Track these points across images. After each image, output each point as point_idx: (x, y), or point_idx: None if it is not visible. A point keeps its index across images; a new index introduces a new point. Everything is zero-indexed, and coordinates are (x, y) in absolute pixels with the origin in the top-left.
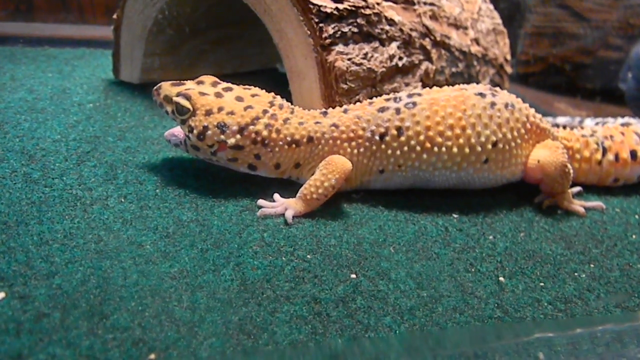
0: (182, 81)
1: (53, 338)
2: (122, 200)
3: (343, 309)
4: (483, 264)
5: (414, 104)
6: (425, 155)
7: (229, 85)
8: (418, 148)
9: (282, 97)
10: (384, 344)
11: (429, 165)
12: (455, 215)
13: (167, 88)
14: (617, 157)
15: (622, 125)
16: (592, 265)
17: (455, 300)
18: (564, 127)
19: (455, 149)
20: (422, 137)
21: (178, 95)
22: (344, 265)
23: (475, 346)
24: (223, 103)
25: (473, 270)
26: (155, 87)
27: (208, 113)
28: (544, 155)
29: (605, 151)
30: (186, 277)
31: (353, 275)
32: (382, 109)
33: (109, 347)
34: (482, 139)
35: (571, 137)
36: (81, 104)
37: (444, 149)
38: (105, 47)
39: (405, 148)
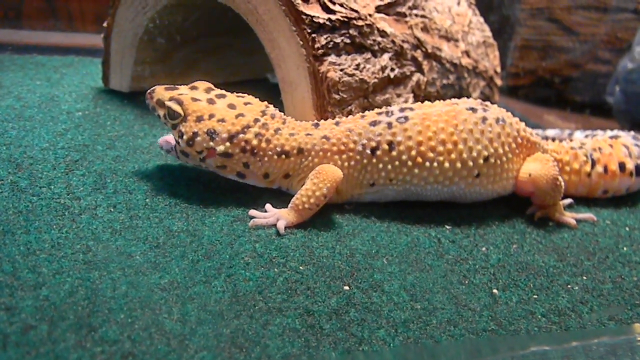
0: (176, 86)
1: (40, 351)
2: (112, 209)
3: (336, 321)
4: (476, 276)
5: (406, 118)
6: (416, 170)
7: (223, 92)
8: (410, 163)
9: (274, 107)
10: (378, 358)
11: (421, 180)
12: (447, 227)
13: (160, 92)
14: (605, 169)
15: (611, 137)
16: (584, 278)
17: (449, 312)
18: (553, 139)
19: (447, 164)
20: (413, 152)
21: (171, 99)
22: (337, 277)
23: None
24: (214, 110)
25: (466, 282)
26: (148, 91)
27: (199, 119)
28: (535, 168)
29: (594, 163)
30: (177, 289)
31: (346, 287)
32: (373, 123)
33: None
34: (474, 153)
35: (561, 149)
36: (70, 112)
37: (435, 164)
38: (94, 55)
39: (397, 162)
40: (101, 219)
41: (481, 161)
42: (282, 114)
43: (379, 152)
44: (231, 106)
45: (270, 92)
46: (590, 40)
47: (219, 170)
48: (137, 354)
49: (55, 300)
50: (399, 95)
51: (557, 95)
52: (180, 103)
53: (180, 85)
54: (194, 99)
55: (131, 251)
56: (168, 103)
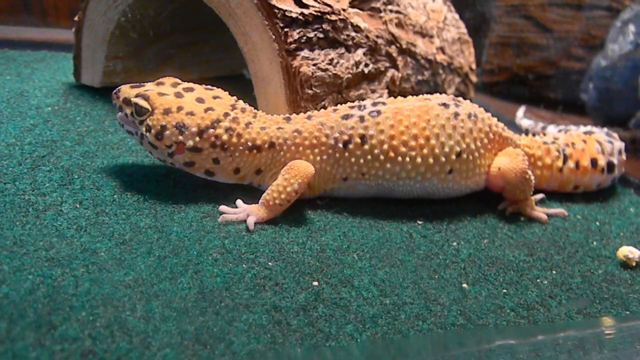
0: (142, 83)
1: None
2: (78, 206)
3: (304, 317)
4: (447, 271)
5: (378, 112)
6: (388, 165)
7: (191, 85)
8: (381, 157)
9: (245, 102)
10: (345, 353)
11: (393, 175)
12: (419, 222)
13: (126, 90)
14: (577, 164)
15: (585, 133)
16: (554, 272)
17: (418, 307)
18: (526, 133)
19: (419, 159)
20: (385, 146)
21: (137, 96)
22: (306, 273)
23: (437, 354)
24: (183, 103)
25: (437, 277)
26: (114, 91)
27: (166, 112)
28: (504, 162)
29: (566, 158)
30: (141, 286)
31: (315, 283)
32: (346, 117)
33: (56, 358)
34: (446, 149)
35: (533, 144)
36: (39, 107)
37: (407, 159)
38: (67, 51)
39: (369, 157)
40: (66, 215)
41: (453, 157)
42: (252, 108)
43: (351, 146)
44: (199, 100)
45: (246, 88)
46: (565, 38)
47: (186, 167)
48: (98, 352)
49: (14, 298)
50: (373, 91)
51: (531, 92)
52: (146, 98)
53: (149, 82)
54: (161, 94)
55: (96, 248)
56: (134, 100)
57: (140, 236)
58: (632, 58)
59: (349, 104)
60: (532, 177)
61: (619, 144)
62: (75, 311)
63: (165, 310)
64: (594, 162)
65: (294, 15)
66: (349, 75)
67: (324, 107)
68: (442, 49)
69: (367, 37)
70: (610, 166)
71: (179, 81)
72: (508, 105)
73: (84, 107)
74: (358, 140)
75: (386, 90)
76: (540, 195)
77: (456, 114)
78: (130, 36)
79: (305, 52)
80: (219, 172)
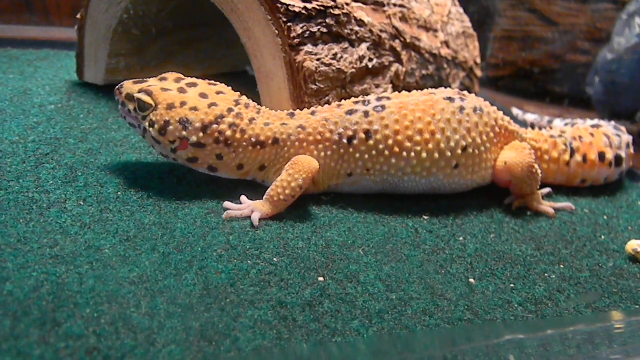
0: (144, 79)
1: (2, 347)
2: (82, 203)
3: (310, 313)
4: (453, 266)
5: (383, 107)
6: (393, 160)
7: (194, 80)
8: (386, 152)
9: (248, 98)
10: (351, 349)
11: (398, 170)
12: (425, 217)
13: (129, 86)
14: (585, 158)
15: (593, 126)
16: (562, 266)
17: (424, 302)
18: (533, 127)
19: (424, 154)
20: (390, 142)
21: (140, 91)
22: (312, 269)
23: (444, 349)
24: (186, 98)
25: (443, 272)
26: (117, 86)
27: (170, 107)
28: (510, 156)
29: (573, 152)
30: (146, 282)
31: (321, 279)
32: (350, 112)
33: (61, 356)
34: (452, 144)
35: (540, 138)
36: (42, 105)
37: (413, 154)
38: (70, 49)
39: (374, 152)
40: (70, 212)
41: (459, 151)
42: (256, 104)
43: (355, 142)
44: (203, 95)
45: (249, 85)
46: (570, 31)
47: (189, 163)
48: (102, 349)
49: (19, 296)
50: (377, 86)
51: (536, 86)
52: (149, 94)
53: (151, 77)
54: (164, 89)
55: (100, 245)
56: (137, 95)
57: (144, 233)
58: (639, 51)
59: (353, 99)
60: (539, 171)
61: (627, 138)
62: (80, 308)
63: (170, 307)
64: (601, 155)
65: (297, 9)
66: (353, 70)
67: (328, 103)
68: (446, 43)
69: (371, 31)
70: (618, 160)
71: (182, 76)
72: (513, 100)
73: (87, 105)
74: (363, 135)
75: (390, 85)
76: (547, 190)
77: (462, 108)
78: (132, 33)
79: (308, 47)
80: (222, 168)
